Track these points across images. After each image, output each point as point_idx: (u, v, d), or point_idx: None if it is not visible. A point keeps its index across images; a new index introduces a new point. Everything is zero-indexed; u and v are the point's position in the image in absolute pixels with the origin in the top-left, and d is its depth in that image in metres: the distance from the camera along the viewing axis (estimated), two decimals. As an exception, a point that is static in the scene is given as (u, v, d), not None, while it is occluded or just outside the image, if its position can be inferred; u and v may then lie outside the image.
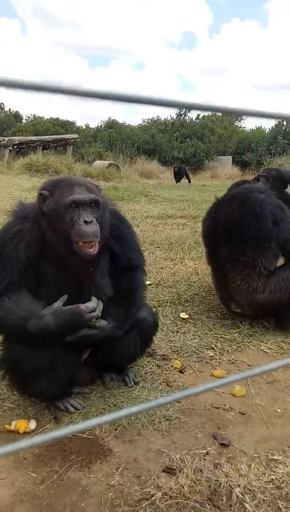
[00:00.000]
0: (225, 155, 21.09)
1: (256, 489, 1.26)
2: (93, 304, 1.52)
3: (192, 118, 25.06)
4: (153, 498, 1.23)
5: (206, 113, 24.76)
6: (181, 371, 2.01)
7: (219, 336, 2.37)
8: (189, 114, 25.47)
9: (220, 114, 28.92)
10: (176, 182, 13.82)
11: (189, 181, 14.18)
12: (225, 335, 2.38)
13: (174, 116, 25.06)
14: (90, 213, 1.48)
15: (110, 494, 1.27)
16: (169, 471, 1.36)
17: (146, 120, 25.74)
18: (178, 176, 14.27)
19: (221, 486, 1.27)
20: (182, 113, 25.04)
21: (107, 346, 1.66)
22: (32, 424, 1.59)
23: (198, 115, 25.79)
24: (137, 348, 1.81)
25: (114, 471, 1.37)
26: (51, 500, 1.26)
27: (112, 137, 19.95)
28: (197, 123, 23.76)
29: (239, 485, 1.27)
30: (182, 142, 20.41)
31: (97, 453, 1.45)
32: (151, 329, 1.85)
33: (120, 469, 1.38)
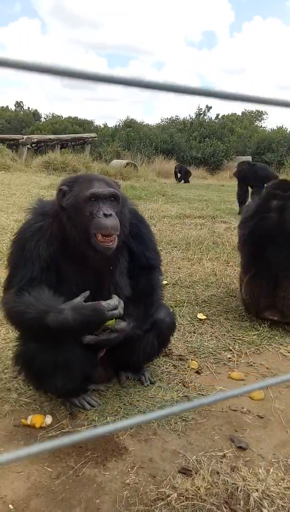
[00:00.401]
0: (244, 155, 20.86)
1: (274, 495, 1.23)
2: (115, 302, 1.51)
3: (211, 118, 24.91)
4: (168, 498, 1.22)
5: (226, 113, 24.56)
6: (197, 372, 1.99)
7: (237, 338, 2.34)
8: (208, 114, 25.32)
9: (240, 114, 28.63)
10: (178, 182, 13.51)
11: (187, 182, 13.61)
12: (243, 337, 2.35)
13: (193, 116, 24.93)
14: (109, 207, 1.47)
15: (125, 492, 1.27)
16: (185, 472, 1.34)
17: (164, 120, 25.74)
18: (179, 176, 13.92)
19: (239, 490, 1.25)
20: (201, 112, 24.90)
21: (124, 345, 1.65)
22: (48, 419, 1.59)
23: (218, 115, 25.62)
24: (154, 348, 1.80)
25: (129, 469, 1.37)
26: (66, 495, 1.26)
27: (130, 136, 19.99)
28: (216, 122, 23.57)
29: (257, 490, 1.24)
30: (201, 141, 20.29)
31: (113, 451, 1.45)
32: (169, 330, 1.84)
33: (136, 468, 1.37)
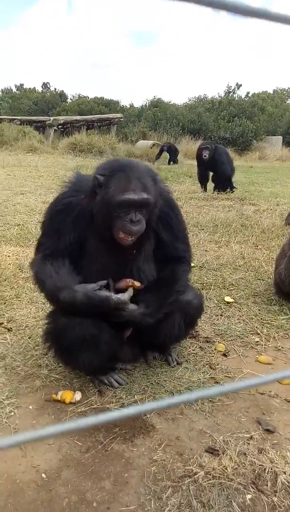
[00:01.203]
0: (275, 135, 20.14)
1: (302, 478, 1.23)
2: (126, 297, 1.54)
3: (241, 96, 24.05)
4: (195, 476, 1.24)
5: (257, 91, 23.63)
6: (224, 355, 1.99)
7: (265, 321, 2.31)
8: (238, 92, 24.45)
9: (271, 92, 27.48)
10: (156, 159, 11.96)
11: (175, 162, 12.16)
12: (271, 321, 2.31)
13: (222, 94, 24.16)
14: (139, 212, 1.48)
15: (153, 468, 1.30)
16: (212, 451, 1.36)
17: (192, 99, 25.07)
18: (167, 156, 12.40)
19: (266, 471, 1.25)
20: (231, 90, 24.07)
21: (150, 326, 1.66)
22: (78, 396, 1.64)
23: (248, 93, 24.71)
24: (181, 330, 1.80)
25: (156, 446, 1.39)
26: (96, 468, 1.30)
27: (157, 116, 19.61)
28: (246, 101, 22.74)
29: (284, 472, 1.24)
30: (230, 121, 19.66)
31: (140, 428, 1.48)
32: (196, 312, 1.83)
33: (163, 445, 1.40)
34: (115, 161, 1.64)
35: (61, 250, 1.59)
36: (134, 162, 1.60)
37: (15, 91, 32.02)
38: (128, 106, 26.13)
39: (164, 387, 1.72)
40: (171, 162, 12.25)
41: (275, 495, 1.18)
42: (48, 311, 1.78)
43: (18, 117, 16.57)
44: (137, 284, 1.60)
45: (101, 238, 1.59)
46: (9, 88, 32.59)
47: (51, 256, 1.59)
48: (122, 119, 17.90)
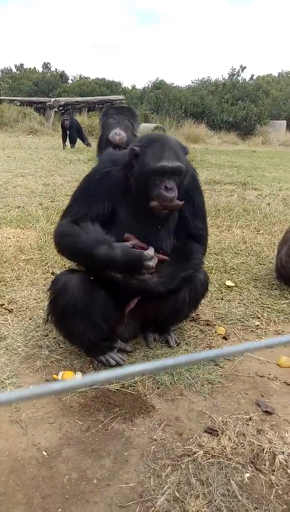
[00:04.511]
0: (279, 119, 19.81)
1: (300, 458, 1.24)
2: (151, 253, 1.59)
3: (245, 79, 23.53)
4: (195, 455, 1.25)
5: (262, 74, 23.13)
6: (225, 338, 2.00)
7: (265, 306, 2.31)
8: (242, 74, 23.95)
9: (276, 75, 26.92)
10: (64, 144, 9.54)
11: (87, 144, 9.73)
12: (272, 305, 2.31)
13: (226, 76, 23.66)
14: (172, 180, 1.56)
15: (152, 447, 1.31)
16: (211, 432, 1.37)
17: (195, 81, 24.55)
18: (67, 135, 9.51)
19: (264, 451, 1.27)
20: (235, 73, 23.58)
21: (156, 299, 1.69)
22: (78, 376, 1.65)
23: (252, 76, 24.20)
24: (185, 305, 1.82)
25: (156, 426, 1.41)
26: (96, 447, 1.32)
27: (159, 99, 19.26)
28: (250, 84, 22.29)
29: (282, 452, 1.25)
30: (233, 104, 19.29)
31: (140, 408, 1.49)
32: (201, 287, 1.85)
33: (162, 425, 1.41)
34: (148, 134, 1.76)
35: (93, 216, 1.63)
36: (166, 135, 1.73)
37: (15, 71, 31.36)
38: (130, 87, 25.65)
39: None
40: (71, 144, 9.56)
41: (273, 474, 1.20)
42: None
43: (18, 98, 16.30)
44: (165, 258, 1.66)
45: (133, 209, 1.66)
46: (9, 68, 31.90)
47: (81, 220, 1.61)
48: (124, 101, 17.59)
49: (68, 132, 9.48)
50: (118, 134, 4.34)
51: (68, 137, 9.55)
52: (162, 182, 1.55)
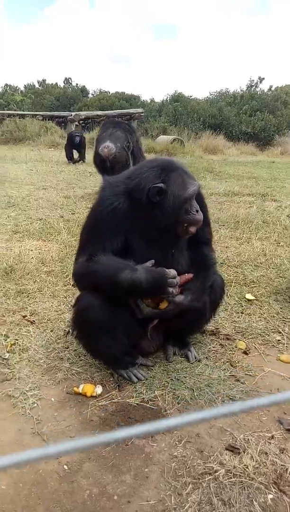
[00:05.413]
0: (297, 130, 19.62)
1: None
2: (174, 272, 1.59)
3: (263, 90, 23.54)
4: (216, 473, 1.24)
5: (280, 84, 23.07)
6: (245, 352, 1.97)
7: (287, 320, 2.27)
8: (260, 85, 23.96)
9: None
10: (69, 160, 9.24)
11: (83, 160, 9.36)
12: (294, 319, 2.27)
13: (244, 88, 23.71)
14: (196, 201, 1.61)
15: (173, 464, 1.30)
16: (233, 449, 1.35)
17: (213, 93, 24.68)
18: (72, 151, 9.37)
19: (288, 472, 1.24)
20: (253, 84, 23.61)
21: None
22: (99, 389, 1.66)
23: (271, 86, 24.15)
24: (206, 307, 1.83)
25: (177, 443, 1.40)
26: (116, 462, 1.32)
27: (177, 111, 19.44)
28: (269, 94, 22.25)
29: (307, 474, 1.22)
30: (251, 115, 19.29)
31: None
32: (220, 289, 1.89)
33: (183, 441, 1.40)
34: (155, 166, 1.62)
35: (108, 249, 1.63)
36: (170, 159, 1.75)
37: (38, 86, 32.31)
38: (149, 100, 26.01)
39: (184, 383, 1.72)
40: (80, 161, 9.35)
41: (297, 496, 1.17)
42: (75, 297, 1.81)
43: (41, 113, 16.75)
44: (189, 276, 1.69)
45: (144, 238, 1.66)
46: (32, 84, 32.93)
47: (99, 254, 1.61)
48: (143, 114, 17.82)
49: (74, 147, 9.32)
50: (106, 146, 4.32)
51: (74, 152, 9.42)
52: (191, 207, 1.59)
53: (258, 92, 22.69)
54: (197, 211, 1.59)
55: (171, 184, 1.56)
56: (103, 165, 4.65)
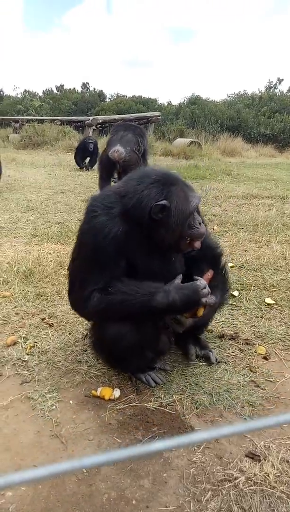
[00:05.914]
0: (317, 131, 19.27)
1: None
2: (204, 282, 1.54)
3: (282, 91, 23.26)
4: (236, 481, 1.21)
5: (299, 85, 22.66)
6: (265, 358, 1.93)
7: (308, 325, 2.22)
8: (279, 87, 23.69)
9: (314, 85, 26.24)
10: (80, 167, 8.91)
11: (92, 167, 8.74)
12: (315, 324, 2.22)
13: (263, 89, 23.49)
14: (198, 214, 1.58)
15: (192, 470, 1.29)
16: (253, 456, 1.32)
17: (231, 95, 24.54)
18: (85, 158, 9.02)
19: (310, 482, 1.21)
20: (272, 86, 23.36)
21: None
22: (117, 393, 1.66)
23: None
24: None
25: (195, 448, 1.38)
26: (135, 466, 1.31)
27: (195, 114, 19.42)
28: (288, 96, 21.97)
29: None
30: (270, 117, 19.08)
31: (179, 428, 1.47)
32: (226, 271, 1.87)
33: (202, 447, 1.38)
34: (154, 182, 1.51)
35: (114, 276, 1.53)
36: (166, 171, 1.59)
37: (56, 92, 32.86)
38: (166, 104, 26.06)
39: (202, 388, 1.70)
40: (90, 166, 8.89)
41: None
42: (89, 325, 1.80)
43: (59, 118, 17.02)
44: (211, 274, 1.66)
45: (143, 253, 1.57)
46: (50, 89, 33.51)
47: (111, 282, 1.51)
48: (160, 117, 17.86)
49: (87, 154, 8.95)
50: (116, 151, 4.30)
51: (86, 158, 9.03)
52: (194, 220, 1.54)
53: (277, 93, 22.42)
54: (200, 223, 1.55)
55: (174, 199, 1.47)
56: (112, 168, 4.65)
